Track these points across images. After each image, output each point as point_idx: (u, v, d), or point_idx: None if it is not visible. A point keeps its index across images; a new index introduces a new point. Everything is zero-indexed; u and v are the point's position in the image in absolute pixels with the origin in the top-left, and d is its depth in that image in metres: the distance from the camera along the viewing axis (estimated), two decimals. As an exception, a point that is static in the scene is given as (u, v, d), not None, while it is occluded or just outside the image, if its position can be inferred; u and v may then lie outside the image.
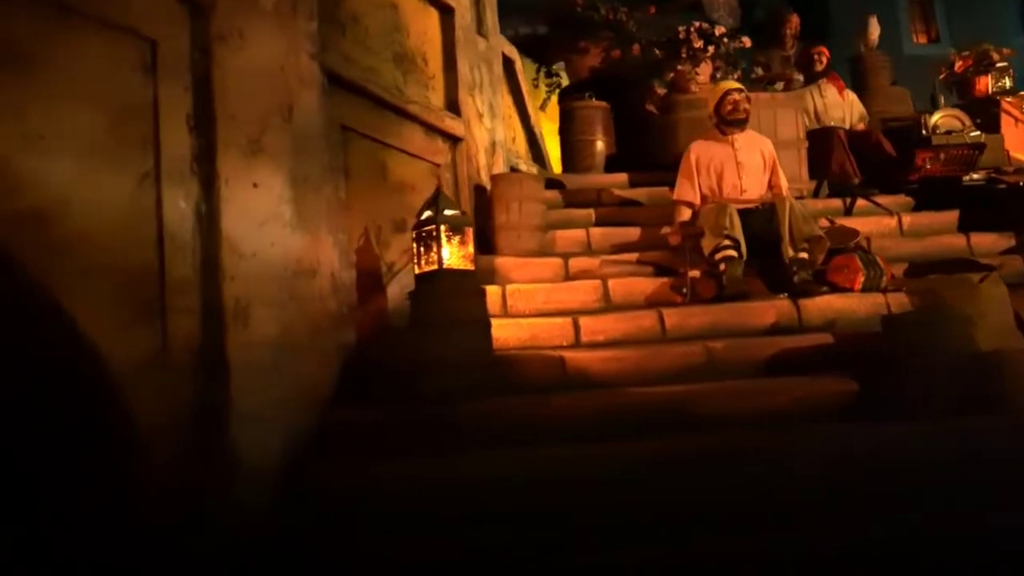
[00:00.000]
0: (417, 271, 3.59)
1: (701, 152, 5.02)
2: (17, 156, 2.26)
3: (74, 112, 2.47)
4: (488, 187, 5.20)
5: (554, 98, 8.12)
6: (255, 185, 3.08)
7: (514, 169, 6.01)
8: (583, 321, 4.14)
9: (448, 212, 3.55)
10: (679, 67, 6.80)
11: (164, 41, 2.80)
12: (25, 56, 2.33)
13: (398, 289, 4.15)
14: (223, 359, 2.84)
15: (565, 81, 8.16)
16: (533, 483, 2.98)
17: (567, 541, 2.74)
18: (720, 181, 4.93)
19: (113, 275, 2.55)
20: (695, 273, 4.54)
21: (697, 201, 4.94)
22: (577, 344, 4.08)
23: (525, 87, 6.81)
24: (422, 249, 3.56)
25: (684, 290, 4.48)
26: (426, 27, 4.92)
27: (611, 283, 4.56)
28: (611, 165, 6.97)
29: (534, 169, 6.58)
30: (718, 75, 7.10)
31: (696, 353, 3.85)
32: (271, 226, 3.14)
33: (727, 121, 5.01)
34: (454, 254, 3.51)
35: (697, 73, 6.81)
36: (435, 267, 3.50)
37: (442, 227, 3.50)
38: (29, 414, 2.43)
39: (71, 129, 2.45)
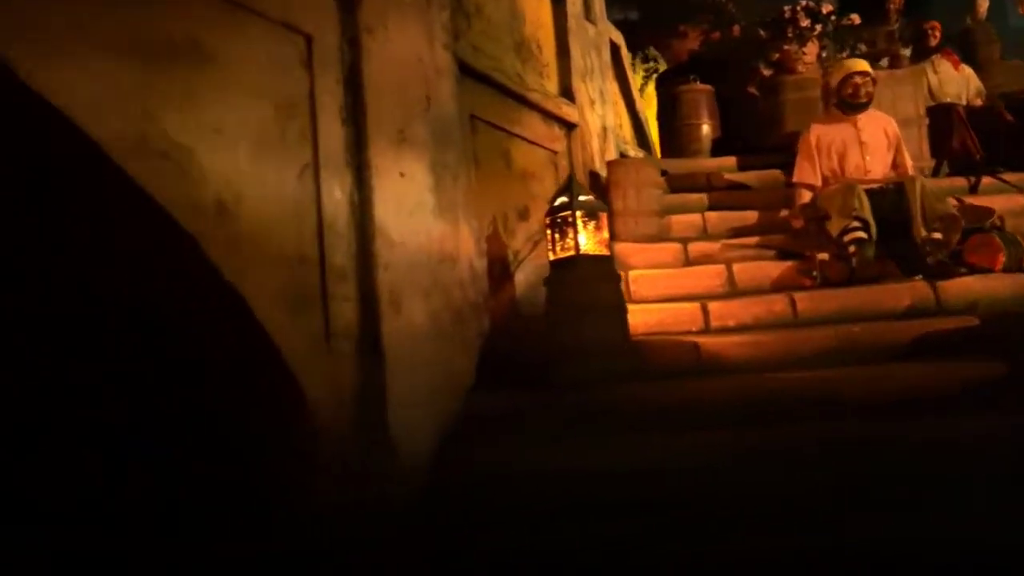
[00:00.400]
0: (552, 257, 3.60)
1: (821, 133, 4.90)
2: (199, 149, 2.34)
3: (245, 106, 2.54)
4: (602, 173, 5.18)
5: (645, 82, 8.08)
6: (402, 174, 3.13)
7: (623, 155, 5.98)
8: (712, 306, 4.10)
9: (583, 198, 3.54)
10: (785, 47, 6.64)
11: (318, 35, 2.86)
12: (203, 50, 2.40)
13: (523, 277, 4.18)
14: (379, 347, 2.89)
15: (662, 66, 8.08)
16: (672, 471, 2.96)
17: (704, 530, 2.70)
18: (842, 162, 4.82)
19: (281, 264, 2.61)
20: (823, 256, 4.44)
21: (818, 183, 4.83)
22: (707, 329, 4.04)
23: (630, 72, 6.76)
24: (556, 235, 3.57)
25: (814, 273, 4.38)
26: (539, 15, 4.92)
27: (735, 267, 4.50)
28: (715, 149, 6.88)
29: (641, 154, 6.54)
30: (824, 54, 6.93)
31: (831, 338, 3.76)
32: (417, 215, 3.18)
33: (847, 104, 4.89)
34: (590, 239, 3.51)
35: (804, 53, 6.65)
36: (571, 253, 3.50)
37: (578, 213, 3.49)
38: (213, 394, 2.52)
39: (243, 123, 2.52)
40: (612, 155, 5.62)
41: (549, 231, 3.60)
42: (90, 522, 2.78)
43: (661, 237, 5.01)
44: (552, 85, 4.91)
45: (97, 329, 2.51)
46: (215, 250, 2.34)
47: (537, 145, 4.56)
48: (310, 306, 2.70)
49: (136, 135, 2.15)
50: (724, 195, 5.67)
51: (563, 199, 3.56)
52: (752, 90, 7.15)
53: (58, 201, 2.24)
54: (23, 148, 2.08)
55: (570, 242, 3.49)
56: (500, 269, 3.99)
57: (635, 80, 7.76)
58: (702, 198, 5.54)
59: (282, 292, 2.60)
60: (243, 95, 2.54)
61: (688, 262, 4.79)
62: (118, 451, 2.86)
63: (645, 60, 8.01)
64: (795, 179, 4.93)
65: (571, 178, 3.65)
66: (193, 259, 2.30)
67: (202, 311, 2.46)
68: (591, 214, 3.53)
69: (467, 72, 3.81)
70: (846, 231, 4.32)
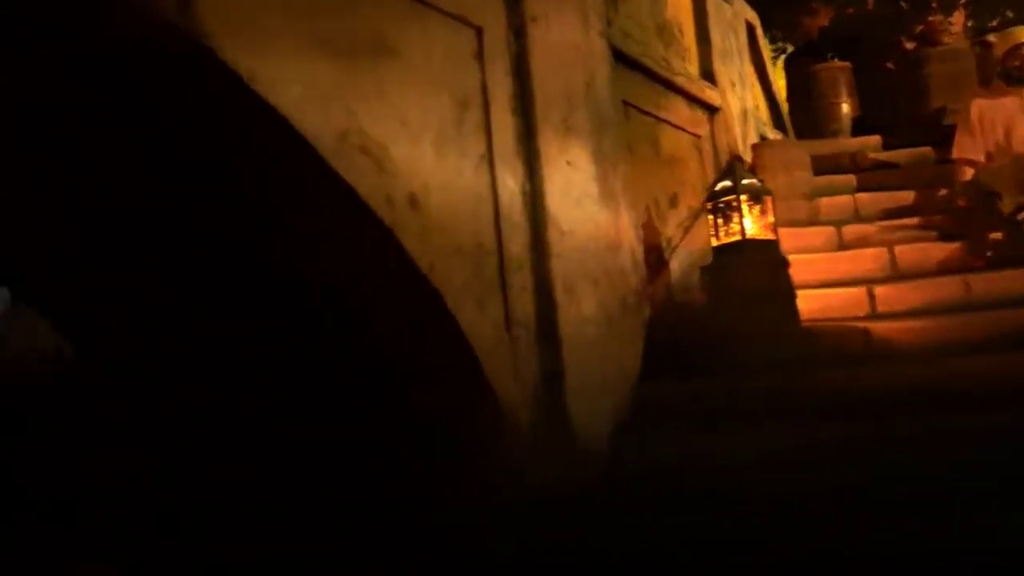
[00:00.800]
0: (715, 243, 3.53)
1: (984, 108, 4.63)
2: (392, 143, 2.38)
3: (426, 100, 2.57)
4: (745, 157, 5.04)
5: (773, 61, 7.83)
6: (568, 163, 3.11)
7: (763, 137, 5.82)
8: (878, 290, 3.93)
9: (746, 181, 3.45)
10: (929, 18, 6.34)
11: (488, 27, 2.87)
12: (390, 46, 2.44)
13: (676, 264, 4.11)
14: (556, 335, 2.89)
15: (789, 45, 7.84)
16: (844, 459, 2.84)
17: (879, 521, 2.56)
18: (1008, 136, 4.53)
19: (463, 255, 2.64)
20: (995, 235, 4.20)
21: (981, 159, 4.57)
22: (873, 315, 3.88)
23: (765, 52, 6.57)
24: (720, 220, 3.49)
25: (988, 253, 4.14)
26: (679, -3, 4.84)
27: (897, 250, 4.30)
28: (853, 128, 6.63)
29: (779, 136, 6.35)
30: (969, 23, 6.59)
31: (1011, 321, 3.54)
32: (584, 203, 3.16)
33: (1012, 77, 4.61)
34: (755, 223, 3.43)
35: (950, 23, 6.33)
36: (736, 238, 3.42)
37: (742, 197, 3.40)
38: (401, 384, 2.57)
39: (425, 116, 2.55)
40: (753, 138, 5.47)
41: (711, 216, 3.53)
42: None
43: (812, 221, 4.84)
44: (694, 68, 4.82)
45: (299, 322, 2.59)
46: (409, 242, 2.38)
47: (682, 130, 4.48)
48: (491, 296, 2.72)
49: (338, 131, 2.20)
50: (872, 175, 5.43)
51: (725, 183, 3.48)
52: (890, 65, 6.86)
53: (267, 195, 2.32)
54: (240, 145, 2.15)
55: (735, 227, 3.42)
56: (656, 256, 3.93)
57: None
58: (850, 179, 5.33)
59: (467, 282, 2.62)
60: (424, 89, 2.57)
61: (842, 246, 4.61)
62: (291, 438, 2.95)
63: (772, 40, 7.77)
64: (955, 155, 4.67)
65: (733, 161, 3.58)
66: (390, 252, 2.34)
67: (396, 302, 2.51)
68: (755, 197, 3.45)
69: (619, 58, 3.76)
70: (1021, 208, 4.08)
